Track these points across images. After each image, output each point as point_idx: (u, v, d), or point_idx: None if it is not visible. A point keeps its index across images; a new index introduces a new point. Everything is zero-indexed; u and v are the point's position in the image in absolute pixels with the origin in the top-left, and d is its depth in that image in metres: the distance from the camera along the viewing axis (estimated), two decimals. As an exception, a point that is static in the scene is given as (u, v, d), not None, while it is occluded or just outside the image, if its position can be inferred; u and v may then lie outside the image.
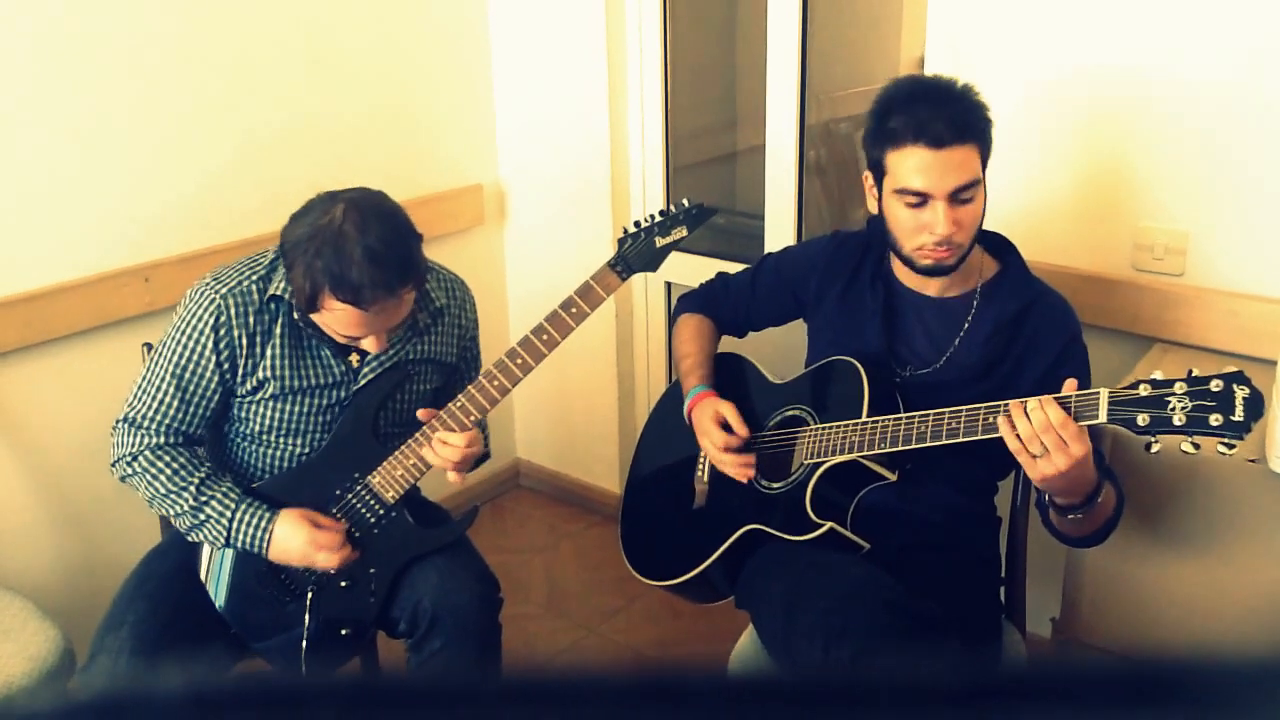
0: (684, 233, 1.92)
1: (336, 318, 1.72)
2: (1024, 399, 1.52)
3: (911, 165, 1.66)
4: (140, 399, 1.85)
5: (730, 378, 2.02)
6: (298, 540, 1.81)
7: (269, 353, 1.82)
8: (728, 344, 2.12)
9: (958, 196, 1.66)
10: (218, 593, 1.88)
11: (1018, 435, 1.51)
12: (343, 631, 1.87)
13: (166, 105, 2.38)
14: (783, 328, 2.10)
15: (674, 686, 0.40)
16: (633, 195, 3.03)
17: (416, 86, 2.92)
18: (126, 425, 1.85)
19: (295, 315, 1.81)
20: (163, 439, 1.84)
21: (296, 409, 1.87)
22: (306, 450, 1.90)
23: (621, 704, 0.40)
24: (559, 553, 3.17)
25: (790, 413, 1.89)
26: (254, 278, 1.82)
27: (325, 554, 1.82)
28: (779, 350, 2.27)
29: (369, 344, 1.78)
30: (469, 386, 1.87)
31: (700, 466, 1.96)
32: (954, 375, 1.77)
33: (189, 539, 1.87)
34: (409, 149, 2.94)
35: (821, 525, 1.71)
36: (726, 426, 1.87)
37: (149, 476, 1.83)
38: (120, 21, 2.27)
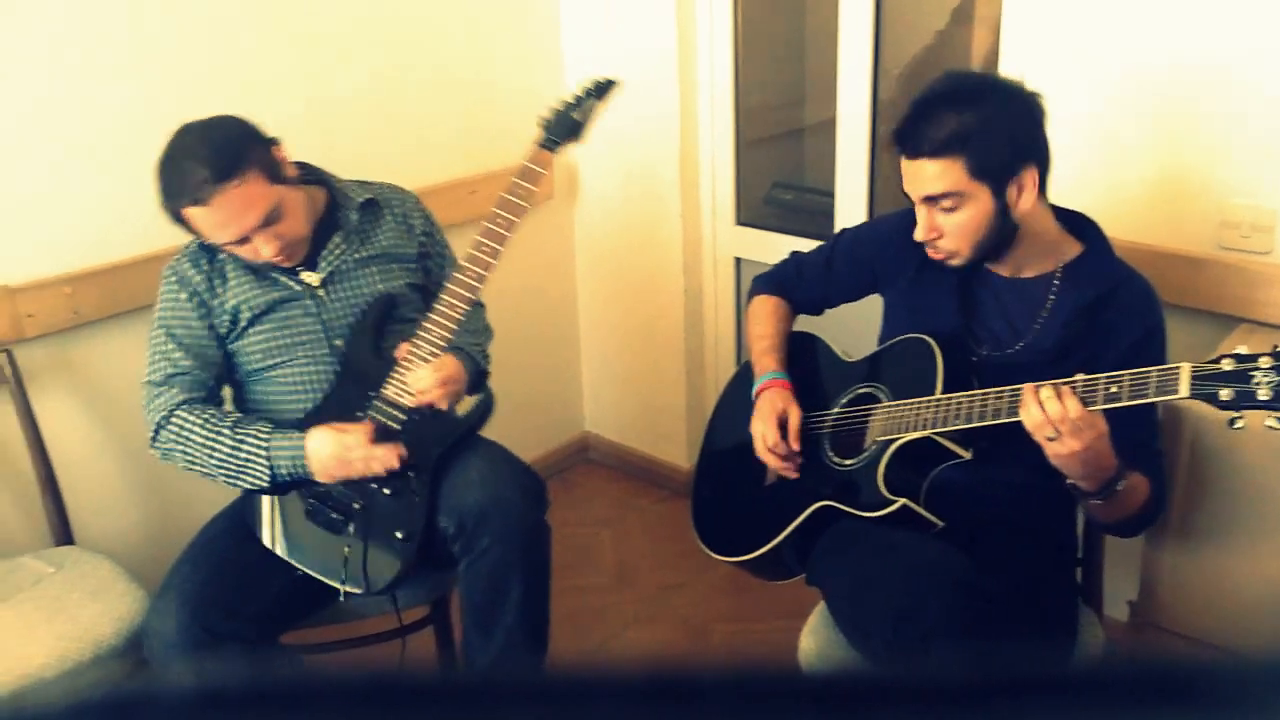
0: (595, 103, 2.07)
1: (200, 226, 1.84)
2: (1039, 384, 1.52)
3: (901, 168, 1.71)
4: (154, 365, 1.97)
5: (802, 356, 2.01)
6: (329, 445, 1.87)
7: (229, 282, 1.97)
8: (801, 322, 2.11)
9: (937, 204, 1.67)
10: (288, 552, 1.94)
11: (1030, 419, 1.53)
12: (398, 535, 1.91)
13: (239, 80, 2.42)
14: (856, 305, 2.08)
15: (690, 686, 0.40)
16: (702, 170, 3.02)
17: (487, 62, 2.94)
18: (150, 390, 1.95)
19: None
20: (189, 394, 1.94)
21: (274, 327, 1.98)
22: (308, 365, 1.99)
23: (638, 704, 0.39)
24: (627, 526, 3.19)
25: (862, 390, 1.88)
26: (194, 239, 1.97)
27: (359, 450, 1.87)
28: (852, 327, 2.26)
29: (262, 247, 1.87)
30: (446, 284, 1.95)
31: (772, 442, 1.96)
32: (1030, 358, 1.74)
33: (237, 486, 1.93)
34: (480, 125, 2.95)
35: (894, 502, 1.70)
36: (785, 429, 1.88)
37: (185, 433, 1.91)
38: (202, -2, 2.32)
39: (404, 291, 2.07)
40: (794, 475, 1.88)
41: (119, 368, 2.35)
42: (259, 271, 1.96)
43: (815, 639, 1.86)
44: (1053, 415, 1.50)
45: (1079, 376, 1.51)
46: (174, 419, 1.92)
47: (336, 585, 1.91)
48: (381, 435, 1.91)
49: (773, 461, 1.88)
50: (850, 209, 2.77)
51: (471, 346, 2.10)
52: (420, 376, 1.92)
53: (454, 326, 1.93)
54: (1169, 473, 1.83)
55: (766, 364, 1.98)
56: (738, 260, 3.08)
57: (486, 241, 1.94)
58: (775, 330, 2.04)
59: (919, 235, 1.72)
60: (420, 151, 2.82)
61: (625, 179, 3.11)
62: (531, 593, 1.95)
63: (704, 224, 3.09)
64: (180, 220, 1.84)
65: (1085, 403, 1.49)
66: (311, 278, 1.99)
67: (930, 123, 1.64)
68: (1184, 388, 1.43)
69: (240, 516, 1.99)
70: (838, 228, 2.76)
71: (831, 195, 2.81)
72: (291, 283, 1.98)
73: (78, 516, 2.25)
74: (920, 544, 1.68)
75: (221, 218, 1.81)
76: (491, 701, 0.40)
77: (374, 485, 1.92)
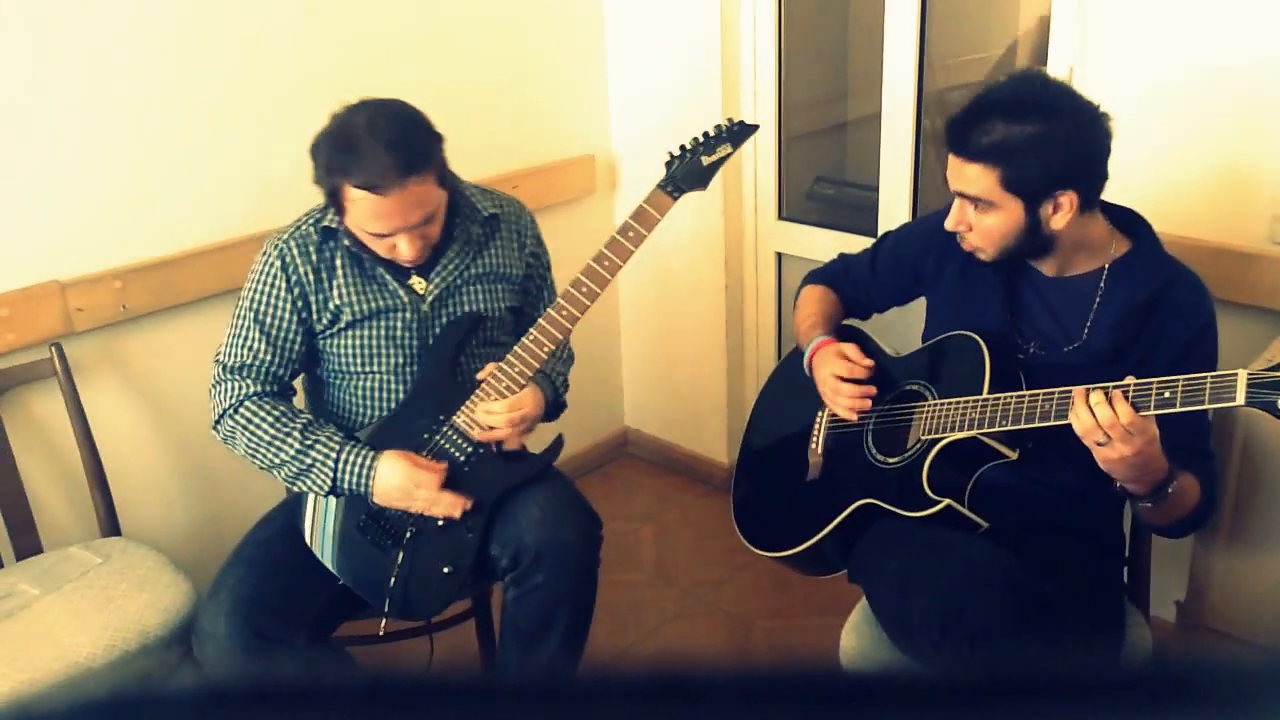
0: (729, 149, 1.91)
1: (359, 209, 1.77)
2: (1089, 388, 1.50)
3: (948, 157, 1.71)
4: (231, 348, 1.93)
5: (848, 350, 1.99)
6: (397, 477, 1.85)
7: (335, 282, 1.91)
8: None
9: (971, 201, 1.68)
10: (324, 553, 1.93)
11: (1080, 425, 1.51)
12: (445, 570, 1.90)
13: (289, 79, 2.43)
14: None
15: (689, 686, 0.39)
16: (744, 167, 3.00)
17: (530, 58, 2.94)
18: (223, 373, 1.93)
19: (347, 242, 1.89)
20: (260, 387, 1.91)
21: (373, 333, 1.93)
22: (392, 377, 1.96)
23: (637, 705, 0.39)
24: (667, 521, 3.18)
25: (908, 387, 1.87)
26: (310, 220, 1.93)
27: (425, 492, 1.85)
28: (896, 324, 2.24)
29: (403, 247, 1.82)
30: (539, 320, 1.89)
31: (814, 438, 1.95)
32: (1081, 359, 1.72)
33: (294, 488, 1.93)
34: (522, 120, 2.96)
35: (938, 502, 1.68)
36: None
37: (252, 426, 1.88)
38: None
39: (501, 313, 2.02)
40: (867, 406, 1.85)
41: (167, 362, 2.38)
42: (366, 271, 1.92)
43: (857, 636, 1.85)
44: (1103, 420, 1.48)
45: (1130, 380, 1.49)
46: (242, 410, 1.90)
47: (376, 606, 1.91)
48: (451, 473, 1.89)
49: (846, 401, 1.84)
50: (894, 204, 2.75)
51: (554, 373, 2.07)
52: (492, 412, 1.88)
53: (537, 365, 1.88)
54: (1219, 473, 1.80)
55: (813, 335, 1.97)
56: (779, 255, 3.07)
57: (587, 282, 1.87)
58: (820, 310, 2.03)
59: (948, 224, 1.73)
60: (464, 146, 2.80)
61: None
62: (576, 626, 1.94)
63: (746, 219, 3.07)
64: (335, 195, 1.78)
65: (1136, 408, 1.47)
66: (420, 285, 1.94)
67: (979, 126, 1.63)
68: (1240, 396, 1.40)
69: (292, 518, 1.99)
70: (881, 223, 2.74)
71: (873, 189, 2.79)
72: (400, 289, 1.92)
73: (125, 508, 2.28)
74: (967, 544, 1.67)
75: (388, 209, 1.75)
76: (499, 703, 0.40)
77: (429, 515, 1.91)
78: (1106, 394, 1.48)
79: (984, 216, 1.69)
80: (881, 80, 2.67)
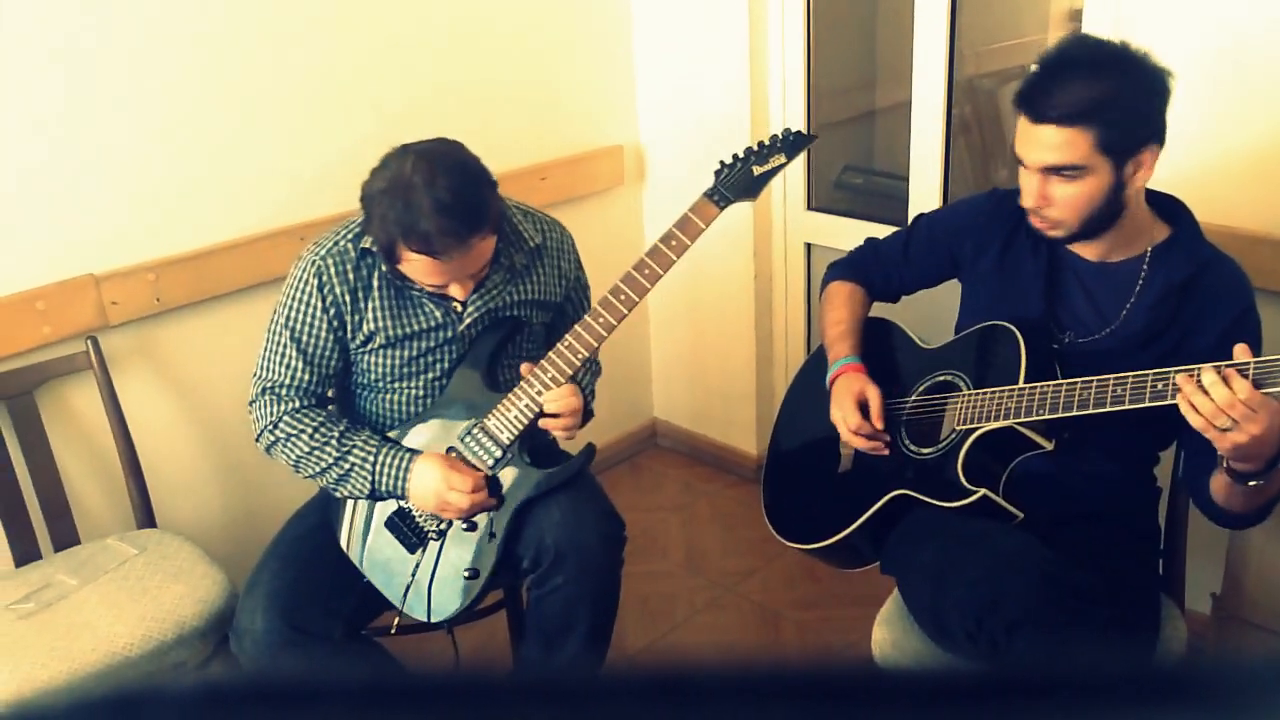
0: (782, 160, 1.85)
1: (415, 267, 1.75)
2: (1196, 369, 1.44)
3: (1018, 129, 1.63)
4: (268, 367, 1.92)
5: (879, 343, 1.98)
6: (433, 477, 1.84)
7: (370, 305, 1.88)
8: (876, 309, 2.08)
9: (1056, 172, 1.60)
10: (357, 556, 1.95)
11: (1199, 412, 1.44)
12: (465, 573, 1.90)
13: (319, 73, 2.44)
14: (933, 291, 2.05)
15: (689, 685, 0.39)
16: (774, 155, 2.99)
17: (558, 49, 2.93)
18: (262, 395, 1.93)
19: (385, 267, 1.86)
20: (298, 402, 1.91)
21: (406, 354, 1.92)
22: (423, 392, 1.95)
23: (637, 704, 0.39)
24: (696, 512, 3.18)
25: (942, 378, 1.85)
26: (349, 236, 1.88)
27: (457, 494, 1.84)
28: (928, 313, 2.22)
29: (455, 290, 1.81)
30: (575, 326, 1.86)
31: (846, 430, 1.94)
32: (1117, 344, 1.70)
33: (336, 495, 1.94)
34: (550, 111, 2.96)
35: (974, 492, 1.67)
36: (865, 409, 1.84)
37: (291, 440, 1.89)
38: (278, -11, 2.34)
39: (534, 327, 2.01)
40: (885, 453, 1.84)
41: (202, 354, 2.39)
42: (404, 293, 1.88)
43: (888, 628, 1.84)
44: (1222, 401, 1.42)
45: (1250, 359, 1.43)
46: (281, 426, 1.90)
47: (398, 606, 1.92)
48: (472, 468, 1.88)
49: (859, 443, 1.85)
50: (924, 193, 2.73)
51: (584, 384, 2.04)
52: (558, 396, 1.84)
53: (570, 371, 1.85)
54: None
55: (840, 350, 1.95)
56: (808, 245, 3.06)
57: (626, 290, 1.83)
58: (850, 315, 2.00)
59: (1027, 202, 1.65)
60: (492, 138, 2.81)
61: (694, 163, 3.09)
62: (598, 626, 1.94)
63: (775, 209, 3.06)
64: (390, 249, 1.74)
65: (1259, 384, 1.41)
66: (458, 306, 1.90)
67: (1063, 88, 1.56)
68: None
69: (325, 514, 2.00)
70: (911, 212, 2.72)
71: (901, 179, 2.78)
72: (437, 310, 1.90)
73: (160, 500, 2.30)
74: (1004, 534, 1.66)
75: (447, 268, 1.73)
76: (514, 702, 0.40)
77: (458, 519, 1.90)
78: (1219, 372, 1.42)
79: (1069, 185, 1.60)
80: (911, 67, 2.65)
